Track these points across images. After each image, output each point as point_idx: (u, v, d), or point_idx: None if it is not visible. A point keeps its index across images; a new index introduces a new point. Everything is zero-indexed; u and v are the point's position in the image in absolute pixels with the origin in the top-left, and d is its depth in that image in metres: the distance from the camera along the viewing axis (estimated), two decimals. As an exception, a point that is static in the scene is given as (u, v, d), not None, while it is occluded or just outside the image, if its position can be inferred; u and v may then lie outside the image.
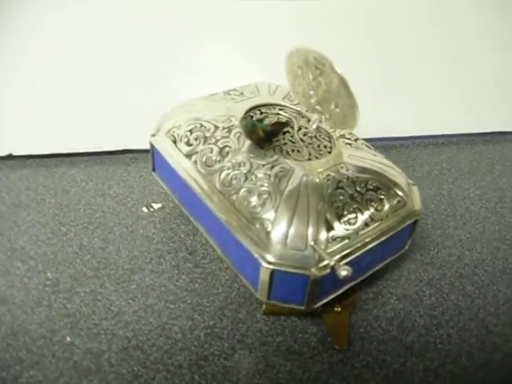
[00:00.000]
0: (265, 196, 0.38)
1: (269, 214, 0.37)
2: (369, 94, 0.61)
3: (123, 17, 0.52)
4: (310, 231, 0.36)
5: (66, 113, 0.55)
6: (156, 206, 0.52)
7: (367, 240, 0.39)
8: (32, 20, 0.50)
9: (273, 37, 0.55)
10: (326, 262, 0.35)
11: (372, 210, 0.40)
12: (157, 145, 0.46)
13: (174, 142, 0.44)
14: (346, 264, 0.37)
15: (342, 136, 0.45)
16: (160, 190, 0.53)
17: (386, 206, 0.41)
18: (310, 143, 0.43)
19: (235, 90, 0.49)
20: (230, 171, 0.40)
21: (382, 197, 0.41)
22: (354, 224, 0.38)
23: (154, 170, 0.49)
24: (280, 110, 0.47)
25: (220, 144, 0.42)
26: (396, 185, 0.42)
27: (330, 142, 0.44)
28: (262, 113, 0.46)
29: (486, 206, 0.58)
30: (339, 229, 0.38)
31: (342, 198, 0.39)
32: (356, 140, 0.46)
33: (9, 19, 0.49)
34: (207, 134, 0.43)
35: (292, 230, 0.36)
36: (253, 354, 0.39)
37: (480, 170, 0.63)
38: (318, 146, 0.43)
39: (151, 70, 0.55)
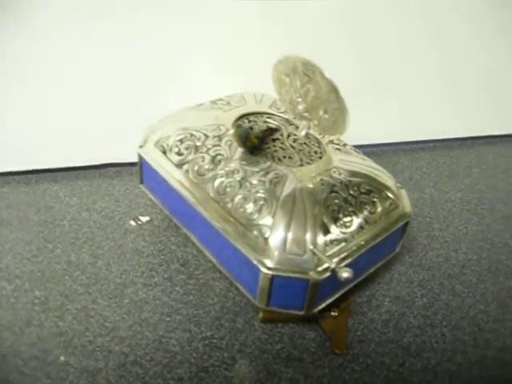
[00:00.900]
0: (261, 202, 0.38)
1: (266, 220, 0.37)
2: (348, 102, 0.63)
3: (109, 29, 0.51)
4: (308, 235, 0.37)
5: (46, 128, 0.54)
6: (144, 219, 0.51)
7: (363, 242, 0.39)
8: (12, 35, 0.49)
9: (256, 48, 0.55)
10: (326, 266, 0.36)
11: (366, 212, 0.40)
12: (145, 156, 0.45)
13: (164, 152, 0.44)
14: (345, 267, 0.37)
15: (331, 142, 0.45)
16: (147, 202, 0.53)
17: (379, 209, 0.41)
18: (300, 149, 0.44)
19: (222, 99, 0.50)
20: (223, 179, 0.40)
21: (375, 200, 0.41)
22: (350, 227, 0.39)
23: (141, 182, 0.48)
24: (268, 117, 0.47)
25: (212, 152, 0.42)
26: (387, 188, 0.43)
27: (320, 147, 0.44)
28: (250, 121, 0.46)
29: (467, 207, 0.59)
30: (336, 232, 0.38)
31: (337, 201, 0.39)
32: (344, 145, 0.46)
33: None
34: (198, 144, 0.43)
35: (290, 235, 0.36)
36: (253, 362, 0.39)
37: (459, 174, 0.65)
38: (309, 152, 0.43)
39: (135, 82, 0.54)
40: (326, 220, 0.38)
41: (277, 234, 0.37)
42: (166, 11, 0.52)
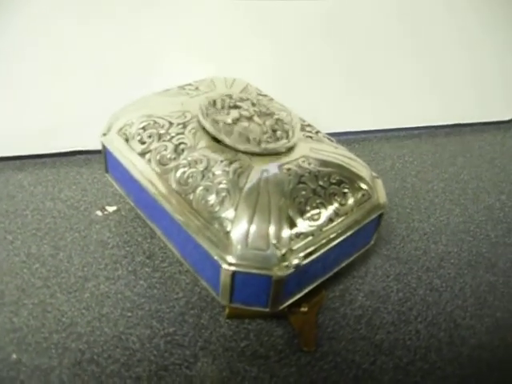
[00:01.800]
0: (223, 194, 0.36)
1: (228, 213, 0.35)
2: (329, 88, 0.60)
3: (74, 15, 0.49)
4: (272, 229, 0.35)
5: (11, 114, 0.52)
6: (111, 208, 0.49)
7: (332, 236, 0.37)
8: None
9: (227, 34, 0.53)
10: (291, 261, 0.34)
11: (336, 204, 0.38)
12: (108, 144, 0.43)
13: (127, 140, 0.42)
14: (312, 261, 0.36)
15: (303, 129, 0.43)
16: (115, 191, 0.50)
17: (351, 200, 0.39)
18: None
19: (190, 84, 0.47)
20: (185, 169, 0.38)
21: (346, 190, 0.39)
22: (318, 220, 0.37)
23: (107, 171, 0.46)
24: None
25: (175, 141, 0.40)
26: (360, 178, 0.41)
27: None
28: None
29: (450, 198, 0.57)
30: (302, 225, 0.36)
31: (304, 193, 0.37)
32: (317, 133, 0.44)
33: None
34: (161, 131, 0.41)
35: (253, 229, 0.34)
36: (216, 360, 0.37)
37: (443, 163, 0.63)
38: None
39: (102, 67, 0.52)
40: (291, 213, 0.36)
41: (239, 227, 0.35)
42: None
